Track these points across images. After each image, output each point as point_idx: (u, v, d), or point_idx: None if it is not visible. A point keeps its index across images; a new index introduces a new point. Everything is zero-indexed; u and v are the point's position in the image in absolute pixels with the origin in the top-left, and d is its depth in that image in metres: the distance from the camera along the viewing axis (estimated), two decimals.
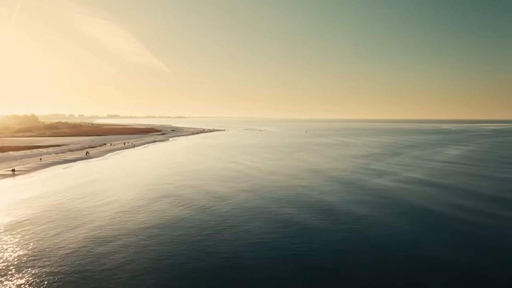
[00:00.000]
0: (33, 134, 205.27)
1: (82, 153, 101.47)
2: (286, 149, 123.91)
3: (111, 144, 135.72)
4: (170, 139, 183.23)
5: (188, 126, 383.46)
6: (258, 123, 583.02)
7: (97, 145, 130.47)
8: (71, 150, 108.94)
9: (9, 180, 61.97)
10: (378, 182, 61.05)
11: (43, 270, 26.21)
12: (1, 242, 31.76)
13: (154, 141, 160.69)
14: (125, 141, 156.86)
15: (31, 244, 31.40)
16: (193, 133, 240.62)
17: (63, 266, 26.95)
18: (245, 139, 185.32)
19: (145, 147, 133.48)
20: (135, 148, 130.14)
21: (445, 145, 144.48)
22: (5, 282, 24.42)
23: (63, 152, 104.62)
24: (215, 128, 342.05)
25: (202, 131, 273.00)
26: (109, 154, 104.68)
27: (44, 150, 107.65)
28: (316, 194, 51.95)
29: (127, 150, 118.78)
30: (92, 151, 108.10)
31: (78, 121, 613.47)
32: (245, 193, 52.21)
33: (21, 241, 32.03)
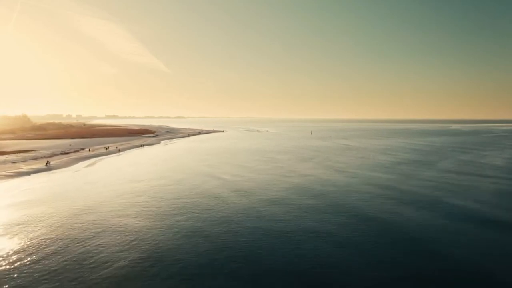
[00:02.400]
0: (13, 136, 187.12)
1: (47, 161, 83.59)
2: (287, 156, 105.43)
3: (89, 149, 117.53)
4: (162, 142, 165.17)
5: (185, 127, 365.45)
6: (259, 124, 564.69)
7: (72, 150, 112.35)
8: (36, 158, 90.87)
9: None
10: (440, 225, 39.52)
11: None
12: None
13: (142, 145, 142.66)
14: (110, 145, 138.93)
15: None
16: (189, 135, 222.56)
17: None
18: (242, 142, 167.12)
19: (128, 152, 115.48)
20: (120, 153, 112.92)
21: (477, 150, 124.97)
22: None
23: (24, 160, 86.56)
24: (214, 129, 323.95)
25: (199, 132, 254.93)
26: (79, 163, 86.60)
27: (3, 158, 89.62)
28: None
29: (104, 157, 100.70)
30: (60, 160, 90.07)
31: (74, 121, 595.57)
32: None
33: None
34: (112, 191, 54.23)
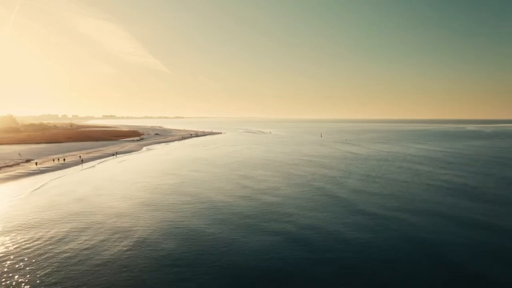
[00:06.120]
0: None
1: None
2: (301, 172, 75.62)
3: (36, 162, 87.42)
4: (144, 148, 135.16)
5: (181, 128, 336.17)
6: (260, 124, 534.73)
7: (10, 164, 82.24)
8: None
9: None
10: None
11: None
12: None
13: (116, 153, 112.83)
14: (75, 153, 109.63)
15: None
16: (182, 137, 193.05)
17: None
18: (240, 148, 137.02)
19: (90, 164, 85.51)
20: (82, 164, 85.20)
21: None
22: None
23: None
24: (212, 130, 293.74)
25: (195, 134, 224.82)
26: None
27: None
28: None
29: (43, 175, 70.71)
30: None
31: (67, 121, 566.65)
32: None
33: None
34: None
